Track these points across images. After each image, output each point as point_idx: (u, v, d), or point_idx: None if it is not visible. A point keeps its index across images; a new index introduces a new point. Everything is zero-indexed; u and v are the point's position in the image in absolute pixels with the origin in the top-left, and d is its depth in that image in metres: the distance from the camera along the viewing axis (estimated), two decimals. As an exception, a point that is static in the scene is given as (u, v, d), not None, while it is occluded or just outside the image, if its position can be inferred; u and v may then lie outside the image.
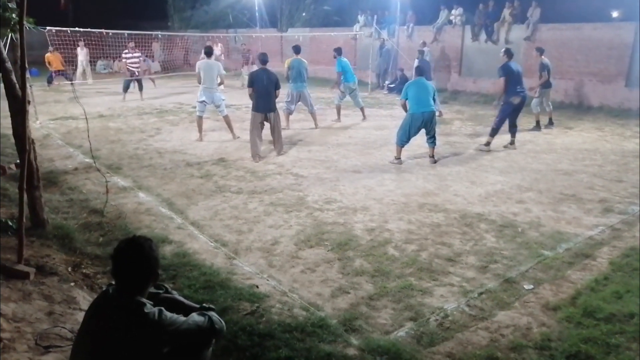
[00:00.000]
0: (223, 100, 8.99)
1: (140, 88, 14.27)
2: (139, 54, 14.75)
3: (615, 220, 5.18)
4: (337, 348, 3.07)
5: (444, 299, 3.66)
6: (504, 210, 5.46)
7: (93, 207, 5.40)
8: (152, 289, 2.25)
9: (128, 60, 14.25)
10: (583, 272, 4.07)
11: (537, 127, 10.07)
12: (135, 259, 2.00)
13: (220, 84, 9.18)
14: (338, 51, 10.82)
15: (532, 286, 3.84)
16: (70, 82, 14.91)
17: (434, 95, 7.46)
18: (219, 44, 18.23)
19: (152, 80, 16.59)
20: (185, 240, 4.65)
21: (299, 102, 10.15)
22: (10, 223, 4.30)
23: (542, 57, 10.01)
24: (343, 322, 3.35)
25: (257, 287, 3.79)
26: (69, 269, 3.89)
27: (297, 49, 10.02)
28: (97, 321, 2.01)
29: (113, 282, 2.05)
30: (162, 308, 1.99)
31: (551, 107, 10.33)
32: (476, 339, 3.19)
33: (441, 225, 5.06)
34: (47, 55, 15.15)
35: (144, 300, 1.99)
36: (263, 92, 7.53)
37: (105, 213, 5.20)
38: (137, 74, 14.27)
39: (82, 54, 17.33)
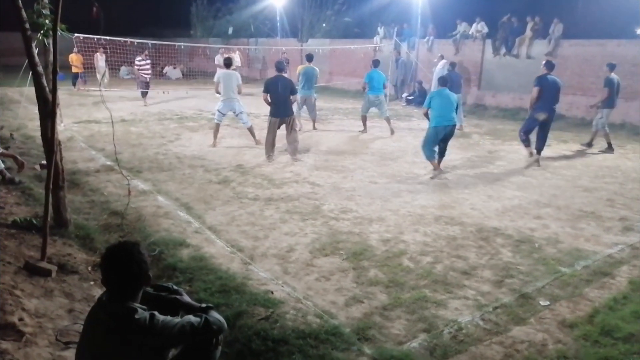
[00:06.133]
0: (243, 112, 9.16)
1: (145, 94, 14.94)
2: (149, 61, 15.18)
3: (635, 239, 5.09)
4: (350, 356, 3.08)
5: (459, 312, 3.65)
6: (521, 226, 5.42)
7: (113, 209, 5.51)
8: (155, 291, 2.28)
9: (140, 67, 14.70)
10: (601, 291, 4.01)
11: (610, 148, 9.53)
12: (123, 265, 2.00)
13: (238, 93, 9.39)
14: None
15: (548, 302, 3.80)
16: (85, 87, 15.58)
17: (456, 107, 7.47)
18: (237, 52, 18.33)
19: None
20: (202, 245, 4.72)
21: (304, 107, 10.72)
22: (34, 222, 4.43)
23: (612, 73, 9.53)
24: (356, 331, 3.35)
25: (272, 293, 3.82)
26: (89, 268, 3.99)
27: (309, 57, 10.61)
28: (92, 328, 2.05)
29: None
30: (155, 312, 2.00)
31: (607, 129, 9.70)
32: (490, 354, 3.17)
33: (457, 238, 5.04)
34: (71, 55, 16.00)
35: (135, 305, 2.00)
36: (279, 98, 7.93)
37: (125, 215, 5.31)
38: (148, 80, 14.78)
39: (101, 60, 17.06)
